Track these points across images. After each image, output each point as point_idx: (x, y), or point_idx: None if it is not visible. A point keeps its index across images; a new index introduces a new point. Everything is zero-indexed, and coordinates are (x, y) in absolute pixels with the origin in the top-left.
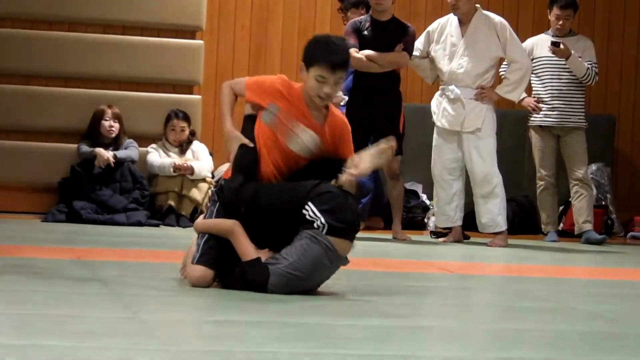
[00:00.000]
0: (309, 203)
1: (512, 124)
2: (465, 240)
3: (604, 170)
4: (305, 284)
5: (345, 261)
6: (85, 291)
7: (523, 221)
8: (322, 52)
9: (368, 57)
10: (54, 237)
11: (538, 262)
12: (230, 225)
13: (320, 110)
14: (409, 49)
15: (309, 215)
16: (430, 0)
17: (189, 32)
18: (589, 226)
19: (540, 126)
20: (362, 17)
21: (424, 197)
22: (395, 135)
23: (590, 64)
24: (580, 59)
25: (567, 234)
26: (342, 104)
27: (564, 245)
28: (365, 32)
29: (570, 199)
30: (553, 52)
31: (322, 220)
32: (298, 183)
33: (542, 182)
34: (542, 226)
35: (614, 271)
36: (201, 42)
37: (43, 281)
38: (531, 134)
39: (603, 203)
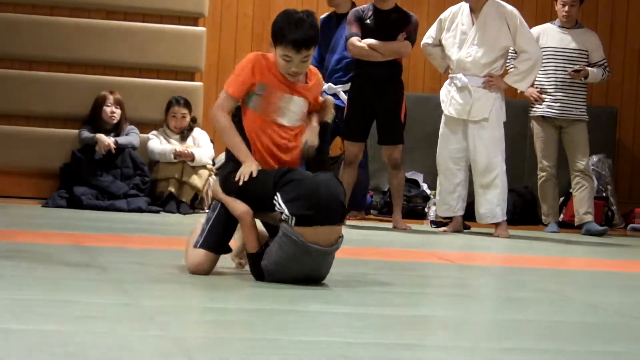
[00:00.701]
0: (277, 194)
1: (513, 114)
2: (465, 230)
3: (605, 161)
4: (290, 276)
5: (332, 248)
6: (85, 277)
7: (523, 212)
8: (287, 31)
9: (370, 46)
10: (54, 222)
11: (538, 253)
12: (241, 213)
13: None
14: (411, 38)
15: (277, 207)
16: None
17: (192, 19)
18: (589, 217)
19: (543, 117)
20: (364, 5)
21: (424, 186)
22: (397, 124)
23: (602, 63)
24: (593, 69)
25: (567, 225)
26: (327, 91)
27: (564, 237)
28: (368, 21)
29: (571, 190)
30: (574, 77)
31: (287, 212)
32: (270, 171)
33: (543, 173)
34: (543, 217)
35: (614, 263)
36: (203, 29)
37: (43, 266)
38: (533, 125)
39: (604, 194)
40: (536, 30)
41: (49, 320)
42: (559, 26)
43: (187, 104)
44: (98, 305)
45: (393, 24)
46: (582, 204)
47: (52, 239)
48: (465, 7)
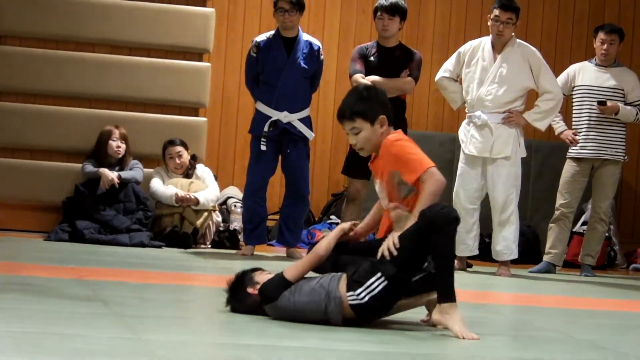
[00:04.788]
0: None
1: None
2: (468, 269)
3: None
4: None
5: None
6: (87, 311)
7: (526, 251)
8: None
9: (374, 83)
10: (56, 256)
11: (541, 292)
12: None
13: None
14: (414, 75)
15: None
16: (438, 27)
17: (196, 54)
18: (587, 260)
19: (577, 158)
20: (368, 43)
21: None
22: None
23: (639, 104)
24: (626, 106)
25: (569, 264)
26: (282, 120)
27: (566, 277)
28: (372, 58)
29: (574, 229)
30: (601, 112)
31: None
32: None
33: (556, 212)
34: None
35: (616, 302)
36: (208, 64)
37: (45, 300)
38: (566, 163)
39: (606, 234)
40: (573, 68)
41: (50, 354)
42: (596, 64)
43: (182, 142)
44: (99, 339)
45: (396, 61)
46: (585, 245)
47: (53, 272)
48: (486, 42)
